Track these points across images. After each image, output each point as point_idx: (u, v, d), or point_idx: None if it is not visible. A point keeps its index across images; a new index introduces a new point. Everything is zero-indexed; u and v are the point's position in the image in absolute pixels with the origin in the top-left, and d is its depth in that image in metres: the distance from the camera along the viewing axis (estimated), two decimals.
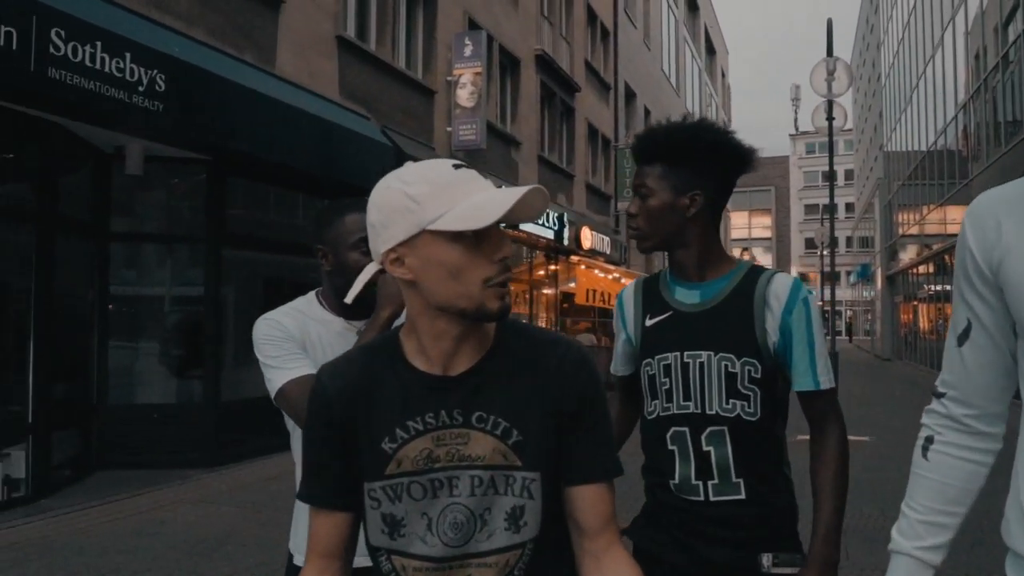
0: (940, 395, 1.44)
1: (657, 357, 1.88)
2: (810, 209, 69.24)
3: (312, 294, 2.17)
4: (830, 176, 13.47)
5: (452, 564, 1.29)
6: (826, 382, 1.83)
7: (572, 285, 19.32)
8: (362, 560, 1.40)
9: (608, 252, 20.84)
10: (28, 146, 6.83)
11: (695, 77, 38.18)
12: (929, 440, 1.46)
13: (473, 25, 13.96)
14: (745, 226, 66.84)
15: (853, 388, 17.82)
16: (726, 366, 1.80)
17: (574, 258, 19.26)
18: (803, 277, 69.34)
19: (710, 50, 42.79)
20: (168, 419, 8.17)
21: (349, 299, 1.42)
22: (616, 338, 2.10)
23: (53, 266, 6.93)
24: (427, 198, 1.22)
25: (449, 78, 13.16)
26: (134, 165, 7.69)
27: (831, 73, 11.36)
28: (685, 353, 1.84)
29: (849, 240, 60.35)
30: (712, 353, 1.82)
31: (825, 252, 44.45)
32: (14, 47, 5.62)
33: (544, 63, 17.47)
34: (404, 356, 1.33)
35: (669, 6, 32.09)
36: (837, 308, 58.44)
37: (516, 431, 1.29)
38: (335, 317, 2.09)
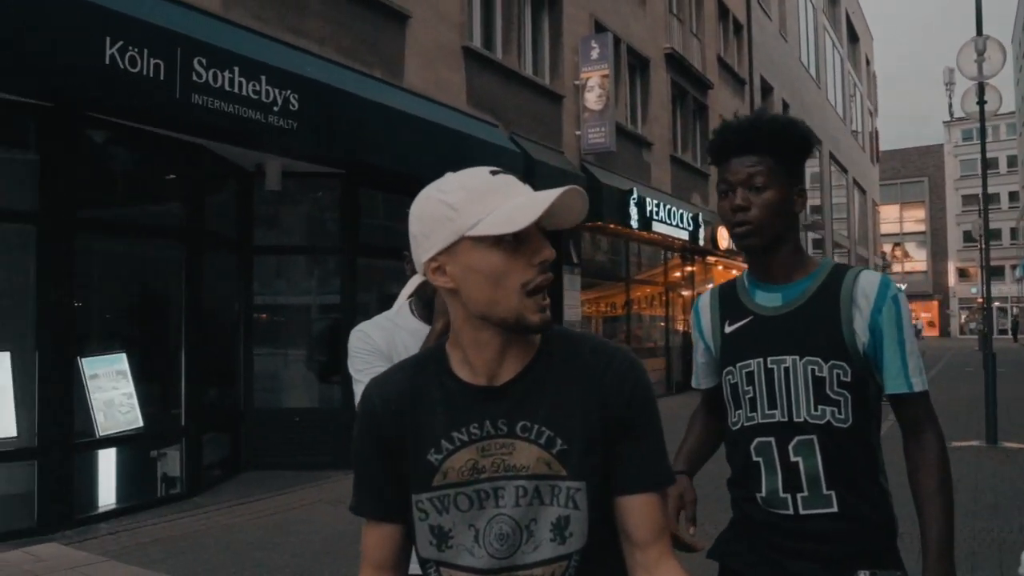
0: None
1: (739, 364, 1.81)
2: (968, 200, 65.18)
3: (406, 302, 2.24)
4: (983, 165, 12.70)
5: (497, 573, 1.29)
6: (919, 384, 1.73)
7: (709, 286, 18.96)
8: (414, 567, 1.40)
9: None
10: (177, 168, 7.34)
11: (837, 66, 36.72)
12: None
13: (600, 28, 13.95)
14: (896, 220, 63.65)
15: (1012, 391, 16.67)
16: (813, 370, 1.72)
17: (711, 259, 18.93)
18: (962, 272, 65.44)
19: (852, 37, 41.04)
20: (309, 423, 8.56)
21: (395, 309, 1.45)
22: (695, 349, 2.04)
23: (201, 279, 7.41)
24: (465, 205, 1.24)
25: (576, 82, 13.20)
26: (273, 181, 8.12)
27: (981, 53, 10.67)
28: (769, 359, 1.77)
29: (1014, 232, 56.52)
30: (797, 357, 1.73)
31: (983, 245, 41.78)
32: (162, 77, 6.06)
33: (674, 62, 17.25)
34: (450, 367, 1.34)
35: None
36: (1003, 305, 54.77)
37: (560, 440, 1.28)
38: (423, 325, 2.15)
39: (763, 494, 1.77)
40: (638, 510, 1.30)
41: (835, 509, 1.71)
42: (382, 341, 2.10)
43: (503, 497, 1.29)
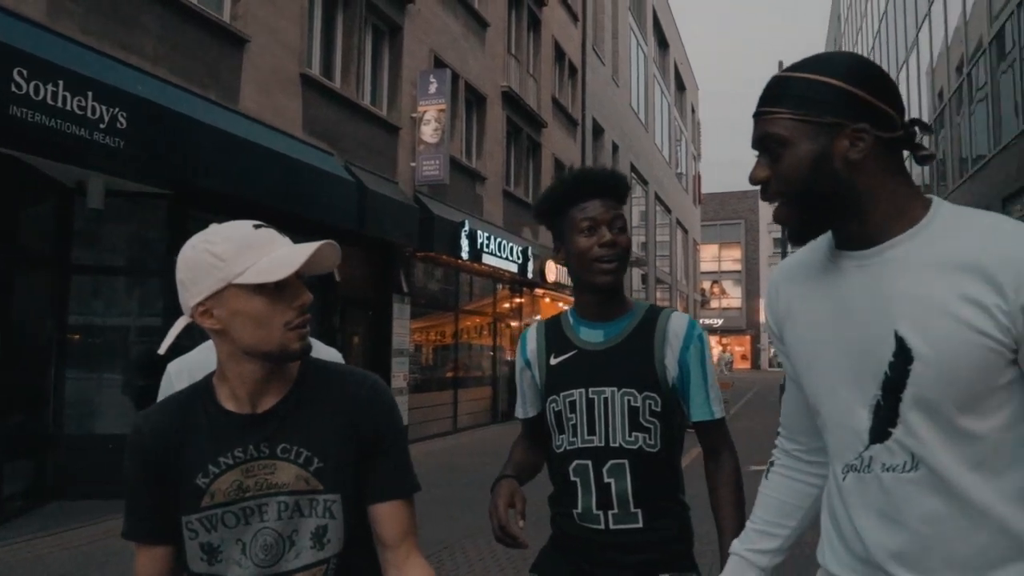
0: (779, 432, 1.68)
1: (563, 394, 2.00)
2: (779, 242, 70.17)
3: None
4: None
5: None
6: (719, 412, 1.99)
7: (536, 318, 19.56)
8: None
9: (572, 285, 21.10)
10: None
11: (664, 112, 38.82)
12: (771, 464, 1.67)
13: (439, 63, 14.28)
14: (715, 258, 67.56)
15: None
16: (629, 400, 1.92)
17: (538, 291, 19.53)
18: None
19: (680, 86, 43.54)
20: (123, 449, 8.24)
21: (162, 350, 1.58)
22: (520, 378, 2.21)
23: (12, 297, 7.06)
24: (231, 255, 1.40)
25: (414, 115, 13.44)
26: (95, 199, 7.84)
27: None
28: (590, 389, 1.96)
29: None
30: (616, 389, 1.94)
31: None
32: None
33: (510, 100, 17.82)
34: (216, 398, 1.50)
35: (639, 43, 32.73)
36: None
37: (317, 459, 1.47)
38: None
39: (579, 510, 1.97)
40: (388, 516, 1.51)
41: (640, 524, 1.93)
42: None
43: (267, 512, 1.46)
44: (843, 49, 38.52)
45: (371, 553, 1.55)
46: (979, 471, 1.24)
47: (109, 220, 8.40)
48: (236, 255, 1.40)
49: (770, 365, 68.42)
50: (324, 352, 2.60)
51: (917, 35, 19.85)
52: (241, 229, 1.44)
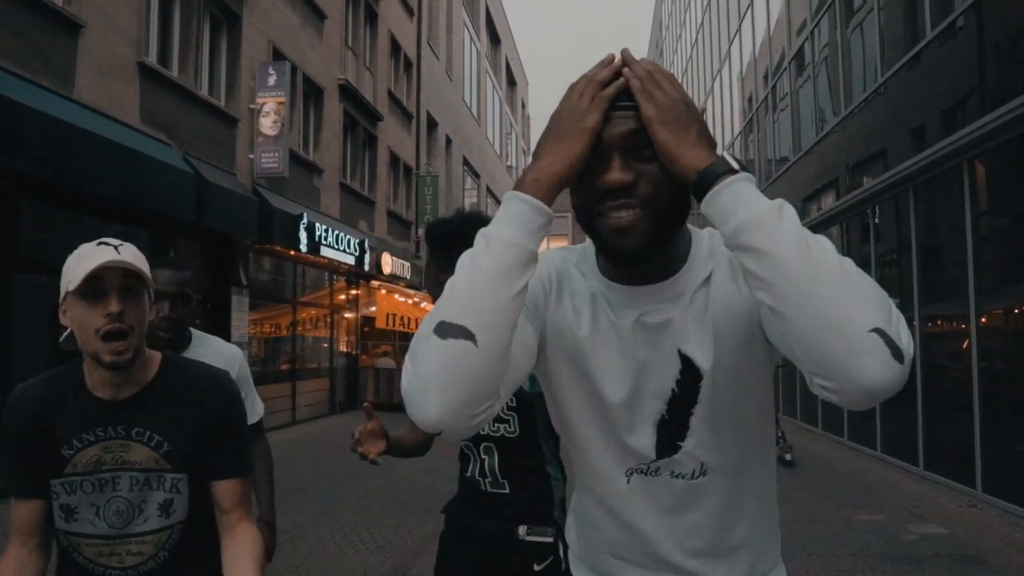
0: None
1: None
2: None
3: None
4: None
5: (116, 541, 1.79)
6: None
7: (372, 309, 19.72)
8: None
9: (408, 277, 21.42)
10: None
11: (496, 107, 39.63)
12: None
13: (278, 55, 14.20)
14: (544, 249, 69.51)
15: None
16: None
17: (375, 283, 19.70)
18: None
19: (511, 82, 44.51)
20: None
21: (61, 341, 1.84)
22: None
23: None
24: (72, 266, 1.72)
25: (252, 106, 13.34)
26: None
27: None
28: None
29: None
30: None
31: None
32: None
33: (347, 93, 17.88)
34: (84, 383, 1.81)
35: (472, 39, 33.29)
36: None
37: (167, 443, 1.78)
38: None
39: (468, 475, 2.53)
40: (224, 490, 1.87)
41: (507, 491, 2.47)
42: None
43: (119, 484, 1.78)
44: (663, 55, 40.66)
45: (212, 521, 1.88)
46: (757, 467, 1.38)
47: None
48: (74, 266, 1.71)
49: None
50: (224, 348, 2.90)
51: (730, 48, 21.42)
52: (86, 245, 1.76)
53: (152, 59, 10.76)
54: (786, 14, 16.18)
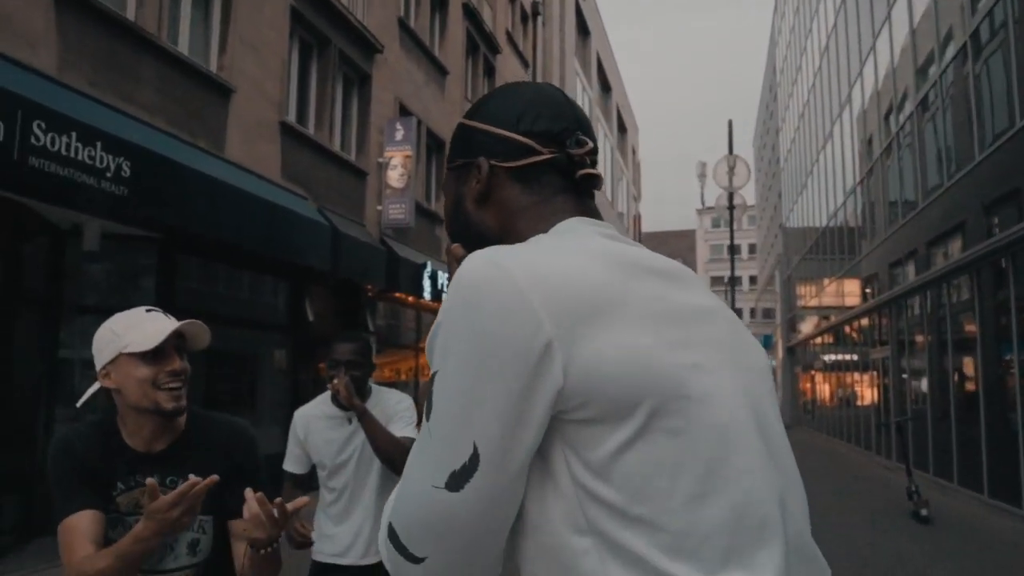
0: None
1: None
2: (716, 281, 71.96)
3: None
4: (731, 254, 14.64)
5: (148, 574, 1.97)
6: None
7: None
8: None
9: None
10: None
11: (607, 154, 39.91)
12: None
13: (404, 110, 14.81)
14: None
15: None
16: None
17: None
18: None
19: (621, 128, 44.79)
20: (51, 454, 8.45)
21: (78, 404, 2.11)
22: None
23: (12, 338, 7.30)
24: (123, 331, 1.94)
25: (380, 160, 13.92)
26: (91, 241, 8.14)
27: (732, 169, 12.59)
28: None
29: (753, 311, 62.87)
30: None
31: None
32: (1, 138, 6.13)
33: None
34: (121, 437, 2.02)
35: (583, 87, 33.75)
36: None
37: None
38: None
39: None
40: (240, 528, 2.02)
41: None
42: (299, 424, 3.54)
43: None
44: (778, 98, 40.18)
45: (230, 560, 2.07)
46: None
47: (100, 261, 8.68)
48: (126, 331, 1.95)
49: None
50: (399, 397, 3.35)
51: (850, 92, 21.08)
52: (135, 312, 2.01)
53: (291, 118, 11.41)
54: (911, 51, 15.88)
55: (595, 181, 1.17)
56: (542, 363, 0.90)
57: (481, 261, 0.96)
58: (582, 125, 1.20)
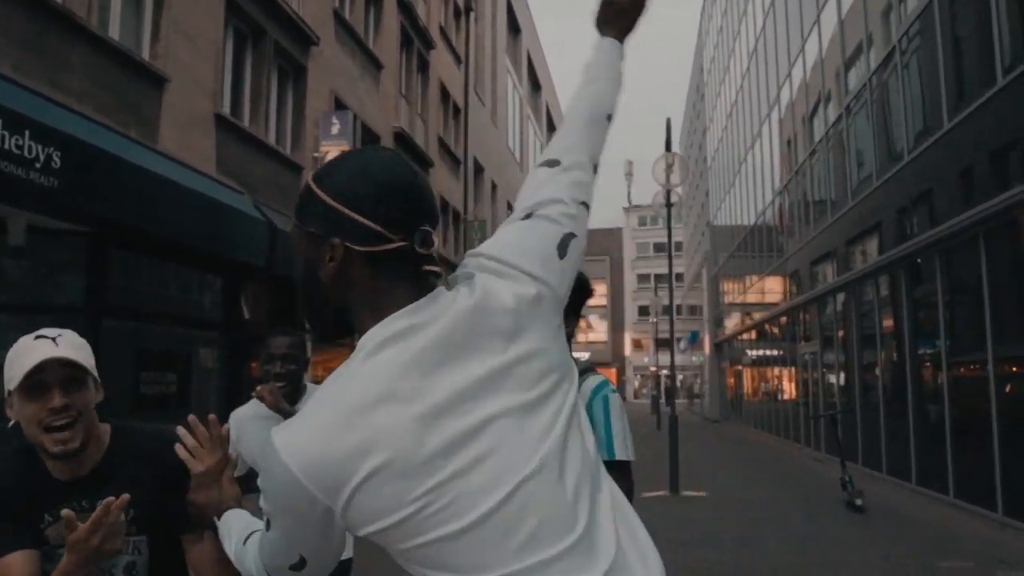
0: None
1: None
2: (643, 278, 72.92)
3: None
4: (669, 252, 14.81)
5: None
6: (621, 454, 2.53)
7: None
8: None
9: None
10: None
11: (537, 151, 40.04)
12: None
13: (339, 104, 14.56)
14: None
15: (686, 448, 19.13)
16: None
17: None
18: (636, 344, 72.50)
19: (551, 127, 44.98)
20: None
21: (8, 427, 1.91)
22: None
23: None
24: (11, 364, 1.78)
25: (316, 154, 13.66)
26: (17, 236, 7.77)
27: (670, 166, 12.76)
28: None
29: (679, 308, 63.85)
30: None
31: (655, 319, 47.06)
32: None
33: (402, 140, 18.23)
34: (41, 466, 1.87)
35: (514, 85, 33.80)
36: (668, 373, 61.08)
37: (132, 508, 1.79)
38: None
39: None
40: (192, 541, 1.94)
41: None
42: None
43: None
44: (705, 98, 40.87)
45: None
46: None
47: (29, 257, 8.30)
48: (10, 364, 1.78)
49: (635, 397, 70.65)
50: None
51: (779, 93, 21.55)
52: (23, 340, 1.82)
53: (226, 110, 11.10)
54: (839, 51, 16.29)
55: (435, 276, 1.29)
56: (327, 514, 1.19)
57: (274, 448, 1.19)
58: (431, 214, 1.30)
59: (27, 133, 6.80)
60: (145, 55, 9.36)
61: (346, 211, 1.24)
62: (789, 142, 20.84)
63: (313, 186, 1.28)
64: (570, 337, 2.59)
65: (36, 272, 8.54)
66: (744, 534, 9.02)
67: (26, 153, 6.79)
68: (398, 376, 1.18)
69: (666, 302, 58.94)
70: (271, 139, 12.54)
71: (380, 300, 1.25)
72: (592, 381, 2.61)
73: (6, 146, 6.58)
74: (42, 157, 6.96)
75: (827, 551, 8.19)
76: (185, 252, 9.62)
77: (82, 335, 1.97)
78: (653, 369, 57.23)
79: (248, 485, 3.17)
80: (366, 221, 1.23)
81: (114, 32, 8.92)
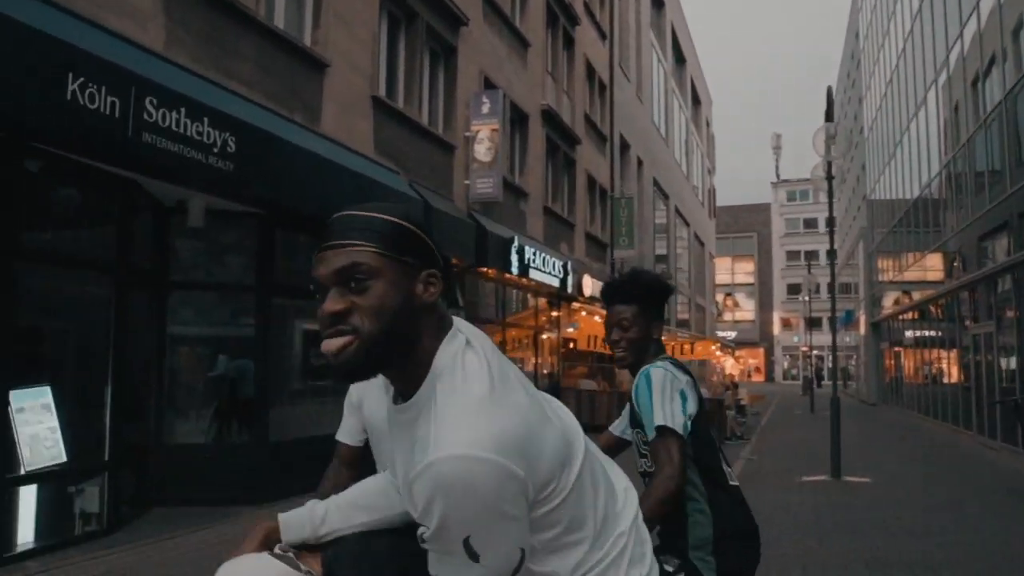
0: None
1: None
2: (792, 255, 70.39)
3: None
4: (831, 226, 14.19)
5: None
6: (660, 419, 2.39)
7: (571, 330, 19.90)
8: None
9: None
10: (108, 202, 7.37)
11: (682, 127, 39.23)
12: None
13: (488, 84, 14.66)
14: (728, 271, 67.86)
15: (844, 432, 18.39)
16: (636, 435, 2.58)
17: (575, 304, 19.85)
18: (785, 323, 70.22)
19: (695, 100, 43.95)
20: (219, 458, 8.59)
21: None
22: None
23: (127, 313, 7.42)
24: None
25: (467, 133, 13.81)
26: (196, 218, 8.21)
27: (832, 137, 12.18)
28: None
29: (831, 286, 61.29)
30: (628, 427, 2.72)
31: (806, 298, 45.35)
32: (117, 114, 6.17)
33: (549, 117, 18.21)
34: None
35: (659, 59, 33.16)
36: (820, 353, 58.98)
37: None
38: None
39: None
40: None
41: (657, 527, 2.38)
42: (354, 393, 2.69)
43: None
44: (861, 64, 38.86)
45: None
46: None
47: (203, 238, 8.76)
48: None
49: (784, 378, 68.57)
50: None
51: (947, 57, 20.20)
52: None
53: (382, 93, 11.35)
54: None
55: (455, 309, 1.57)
56: (525, 495, 1.26)
57: (467, 462, 1.20)
58: None
59: (206, 120, 7.16)
60: (307, 41, 9.68)
61: (431, 243, 1.41)
62: (957, 108, 19.51)
63: (401, 220, 1.39)
64: (655, 340, 2.66)
65: (210, 252, 9.01)
66: (916, 523, 8.55)
67: (205, 139, 7.14)
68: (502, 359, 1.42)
69: (818, 280, 56.56)
70: (424, 119, 12.76)
71: (443, 323, 1.41)
72: (645, 371, 2.56)
73: (188, 132, 6.94)
74: (219, 142, 7.31)
75: (1011, 544, 7.66)
76: None
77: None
78: (804, 349, 55.31)
79: (367, 457, 2.88)
80: (438, 255, 1.43)
81: (279, 21, 9.27)
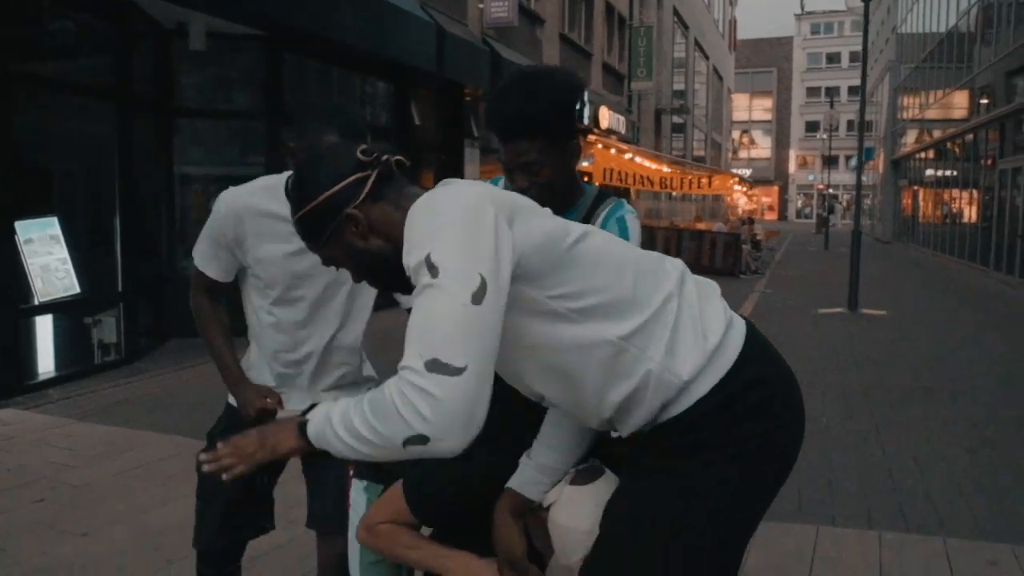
0: None
1: None
2: (812, 92, 68.38)
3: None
4: (863, 58, 13.52)
5: None
6: None
7: (586, 164, 19.46)
8: None
9: (623, 132, 20.88)
10: (105, 24, 6.95)
11: None
12: None
13: None
14: (746, 108, 66.13)
15: (862, 268, 18.38)
16: None
17: (592, 136, 19.34)
18: (802, 161, 69.11)
19: None
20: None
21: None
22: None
23: (132, 141, 7.13)
24: None
25: None
26: (197, 41, 7.77)
27: None
28: None
29: (850, 124, 59.95)
30: None
31: (824, 135, 44.29)
32: None
33: None
34: None
35: None
36: (835, 192, 58.36)
37: None
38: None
39: None
40: None
41: None
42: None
43: None
44: None
45: None
46: None
47: (206, 63, 8.34)
48: None
49: (796, 216, 68.23)
50: None
51: None
52: None
53: None
54: None
55: None
56: (500, 222, 1.34)
57: (457, 187, 1.41)
58: None
59: None
60: None
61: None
62: None
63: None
64: (573, 161, 1.99)
65: (215, 79, 8.61)
66: (933, 354, 8.50)
67: None
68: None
69: (840, 117, 55.14)
70: None
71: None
72: (610, 202, 2.06)
73: None
74: None
75: None
76: (356, 57, 9.45)
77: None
78: (820, 187, 54.71)
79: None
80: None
81: None
